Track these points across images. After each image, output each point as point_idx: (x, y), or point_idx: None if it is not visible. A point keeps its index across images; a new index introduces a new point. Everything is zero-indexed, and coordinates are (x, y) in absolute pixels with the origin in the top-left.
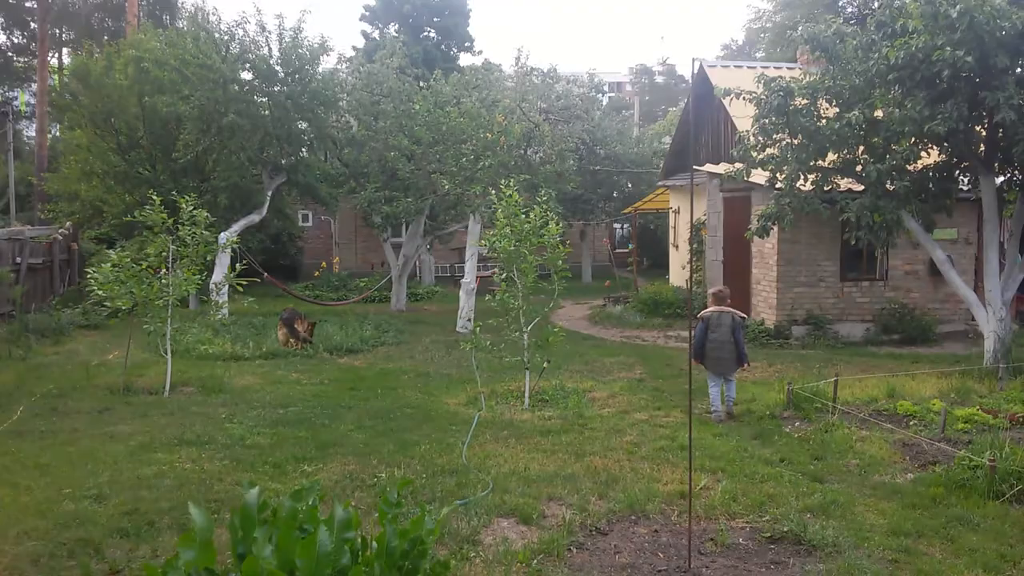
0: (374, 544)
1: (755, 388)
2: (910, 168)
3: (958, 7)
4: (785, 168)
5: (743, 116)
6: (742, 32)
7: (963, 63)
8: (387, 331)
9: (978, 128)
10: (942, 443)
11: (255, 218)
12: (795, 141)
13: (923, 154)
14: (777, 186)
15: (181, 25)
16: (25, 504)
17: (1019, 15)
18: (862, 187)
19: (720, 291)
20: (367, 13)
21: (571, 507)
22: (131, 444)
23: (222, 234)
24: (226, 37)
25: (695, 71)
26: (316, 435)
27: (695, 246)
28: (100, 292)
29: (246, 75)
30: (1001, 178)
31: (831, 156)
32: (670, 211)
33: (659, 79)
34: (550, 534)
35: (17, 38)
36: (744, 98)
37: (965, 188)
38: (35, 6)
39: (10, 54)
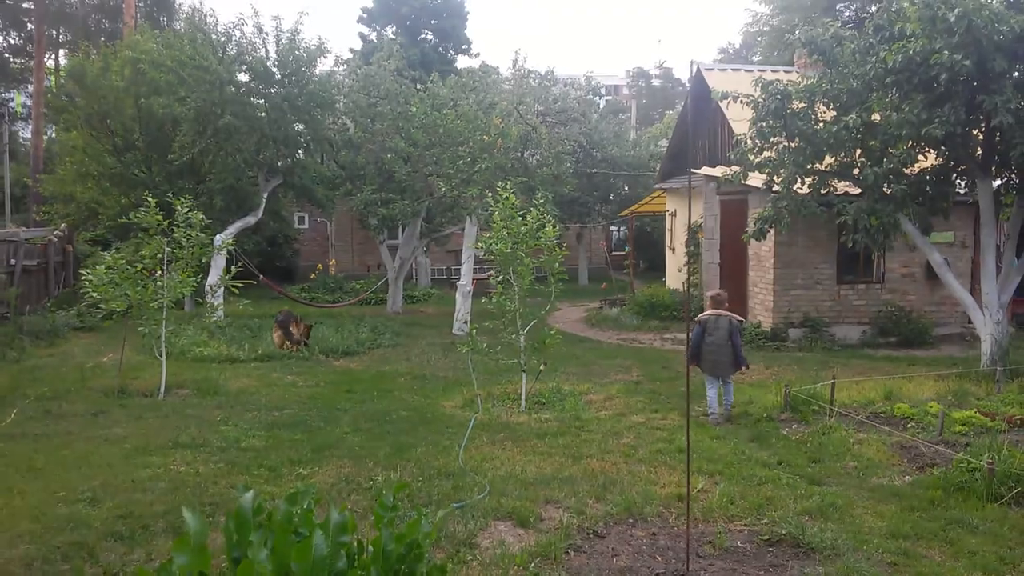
0: (370, 548)
1: (752, 390)
2: (907, 171)
3: (956, 11)
4: (782, 171)
5: (740, 119)
6: (739, 36)
7: (961, 67)
8: (383, 333)
9: (975, 132)
10: (940, 445)
11: (251, 220)
12: (792, 144)
13: (920, 157)
14: (774, 189)
15: (178, 26)
16: (18, 508)
17: (1017, 19)
18: (859, 190)
19: (718, 294)
20: (364, 15)
21: (568, 510)
22: (125, 447)
23: (217, 236)
24: (223, 39)
25: (693, 73)
26: (312, 438)
27: (692, 249)
28: (95, 294)
29: (243, 77)
30: (998, 181)
31: (828, 159)
32: (667, 214)
33: (656, 82)
34: (547, 537)
35: (14, 39)
36: (741, 101)
37: (962, 192)
38: (32, 7)
39: (6, 55)
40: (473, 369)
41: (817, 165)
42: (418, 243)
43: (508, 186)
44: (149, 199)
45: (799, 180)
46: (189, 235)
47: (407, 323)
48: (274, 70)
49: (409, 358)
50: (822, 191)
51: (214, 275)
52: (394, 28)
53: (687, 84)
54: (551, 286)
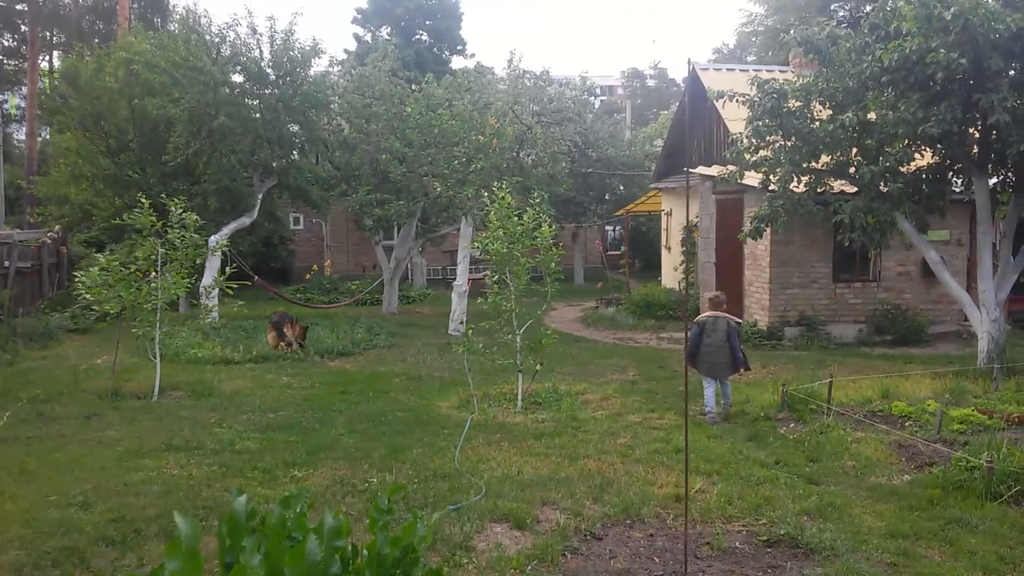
0: (365, 552)
1: (749, 390)
2: (904, 170)
3: (952, 9)
4: (778, 170)
5: (735, 119)
6: (733, 36)
7: (957, 65)
8: (379, 334)
9: (971, 130)
10: (938, 444)
11: (246, 221)
12: (788, 143)
13: (916, 156)
14: (770, 188)
15: (172, 28)
16: (9, 512)
17: (1013, 17)
18: (855, 189)
19: (716, 296)
20: (359, 16)
21: (565, 511)
22: (118, 450)
23: (212, 237)
24: (217, 39)
25: (690, 72)
26: (306, 440)
27: (687, 248)
28: (88, 296)
29: (237, 78)
30: (994, 179)
31: (824, 158)
32: (662, 213)
33: (651, 83)
34: (544, 539)
35: (7, 41)
36: (737, 100)
37: (958, 190)
38: (25, 9)
39: (0, 57)
40: (469, 369)
41: (813, 164)
42: (413, 243)
43: (504, 186)
44: (143, 200)
45: (795, 179)
46: (183, 236)
47: (403, 324)
48: (268, 71)
49: (405, 359)
50: (818, 190)
51: (208, 276)
52: (389, 29)
53: (682, 84)
54: (547, 286)
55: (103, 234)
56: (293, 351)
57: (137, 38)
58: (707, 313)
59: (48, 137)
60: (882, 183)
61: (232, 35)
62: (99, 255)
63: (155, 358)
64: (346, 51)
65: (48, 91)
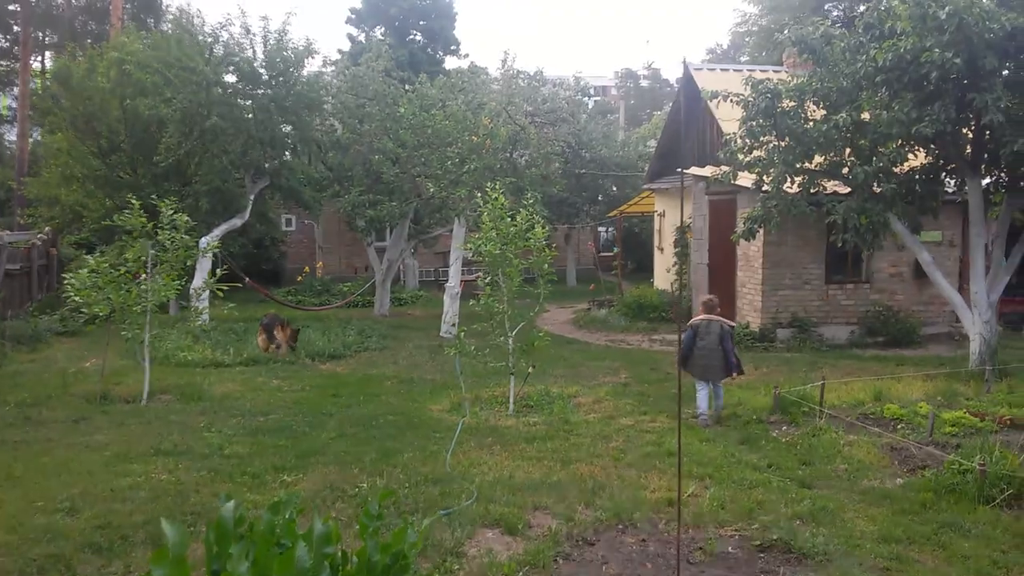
0: (355, 559)
1: (741, 392)
2: (897, 170)
3: (947, 8)
4: (772, 170)
5: (729, 119)
6: (727, 36)
7: (951, 65)
8: (370, 336)
9: (965, 130)
10: (930, 447)
11: (237, 222)
12: (782, 143)
13: (910, 156)
14: (764, 188)
15: (166, 28)
16: None
17: (1008, 16)
18: (848, 189)
19: (710, 300)
20: (353, 16)
21: (557, 516)
22: (106, 454)
23: (203, 239)
24: (210, 39)
25: (684, 72)
26: (296, 444)
27: (681, 249)
28: (77, 298)
29: (230, 78)
30: (987, 180)
31: (818, 158)
32: (655, 214)
33: (644, 83)
34: (536, 545)
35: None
36: (732, 100)
37: (950, 191)
38: (18, 9)
39: None
40: (461, 372)
41: (807, 164)
42: (406, 245)
43: (498, 187)
44: (133, 201)
45: (789, 179)
46: (173, 238)
47: (394, 326)
48: (261, 71)
49: (396, 361)
50: (812, 190)
51: (199, 278)
52: (382, 29)
53: (675, 85)
54: (540, 287)
55: (93, 236)
56: (283, 354)
57: (129, 38)
58: (700, 316)
59: (39, 138)
60: (875, 184)
61: (225, 35)
62: (88, 257)
63: (144, 361)
64: (340, 51)
65: (40, 91)
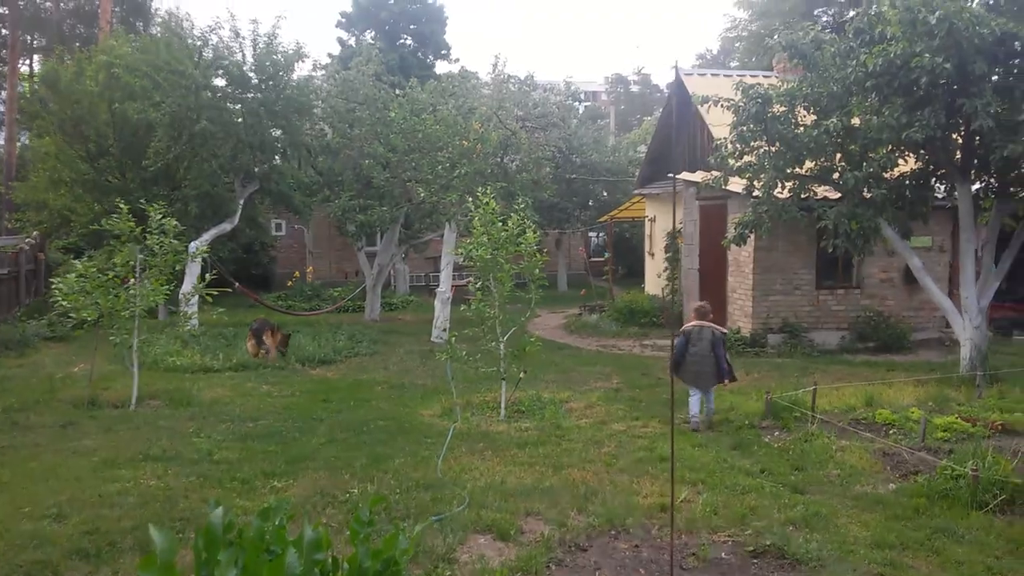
0: (345, 565)
1: (733, 397)
2: (887, 176)
3: (937, 14)
4: (762, 176)
5: (719, 124)
6: (717, 42)
7: (941, 70)
8: (361, 341)
9: (955, 136)
10: (923, 452)
11: (226, 227)
12: (773, 148)
13: (900, 162)
14: (755, 194)
15: (154, 32)
16: None
17: (998, 21)
18: (839, 195)
19: (702, 306)
20: (343, 20)
21: (549, 522)
22: (94, 460)
23: (192, 243)
24: (199, 43)
25: (676, 77)
26: (286, 449)
27: (671, 254)
28: (65, 303)
29: (219, 82)
30: (977, 185)
31: (808, 164)
32: (646, 219)
33: (634, 88)
34: (528, 551)
35: None
36: (722, 105)
37: (940, 196)
38: (5, 12)
39: None
40: (452, 377)
41: (797, 169)
42: (396, 250)
43: (489, 191)
44: (121, 205)
45: (779, 184)
46: (162, 242)
47: (385, 331)
48: (251, 75)
49: (387, 366)
50: (802, 195)
51: (188, 283)
52: (373, 33)
53: (665, 90)
54: (531, 292)
55: (82, 240)
56: (273, 359)
57: (118, 41)
58: (693, 323)
59: (27, 142)
60: (865, 189)
61: (214, 38)
62: (76, 261)
63: (133, 366)
64: (330, 55)
65: (28, 95)
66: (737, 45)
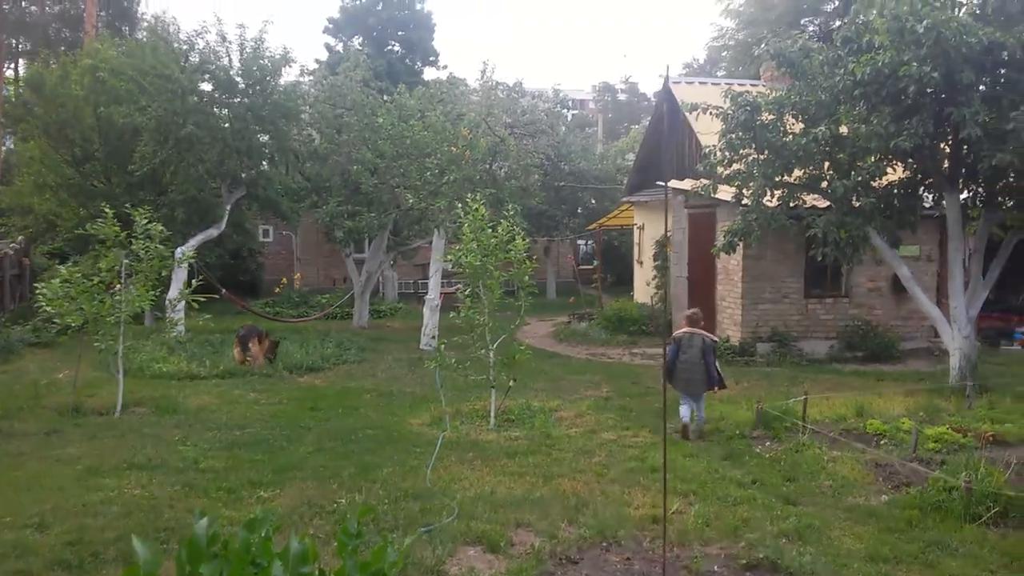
0: None
1: (723, 406)
2: (875, 184)
3: (925, 23)
4: (751, 184)
5: (707, 132)
6: (704, 51)
7: (929, 79)
8: (349, 349)
9: (943, 145)
10: (915, 463)
11: (213, 232)
12: (761, 156)
13: (888, 170)
14: (743, 202)
15: (141, 36)
16: None
17: (985, 31)
18: (827, 203)
19: (694, 313)
20: (331, 25)
21: (540, 533)
22: (78, 468)
23: (179, 249)
24: (185, 47)
25: (665, 84)
26: (273, 458)
27: (660, 262)
28: (49, 308)
29: (206, 86)
30: (965, 194)
31: (797, 172)
32: (634, 227)
33: (622, 97)
34: (518, 563)
35: None
36: (711, 113)
37: (928, 205)
38: None
39: None
40: (441, 385)
41: (786, 178)
42: (385, 256)
43: (478, 197)
44: (106, 210)
45: (768, 193)
46: (148, 247)
47: (373, 338)
48: (238, 79)
49: (375, 374)
50: (791, 204)
51: (174, 289)
52: (361, 39)
53: (653, 99)
54: (520, 300)
55: (67, 245)
56: (260, 366)
57: (104, 45)
58: (684, 330)
59: (12, 146)
60: (854, 197)
61: (201, 43)
62: (61, 267)
63: (118, 373)
64: (317, 61)
65: (12, 99)
66: (724, 54)
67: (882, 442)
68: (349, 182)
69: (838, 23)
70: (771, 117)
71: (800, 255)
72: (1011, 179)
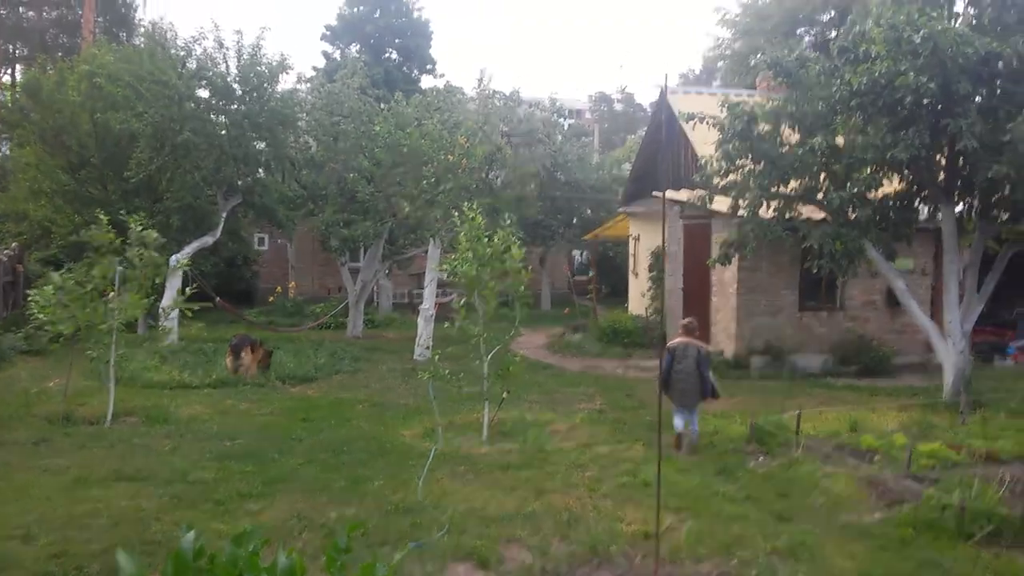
0: None
1: (717, 420)
2: (871, 196)
3: (921, 32)
4: (747, 194)
5: (704, 143)
6: (700, 61)
7: (926, 89)
8: (342, 359)
9: (939, 156)
10: (908, 480)
11: (208, 240)
12: (758, 167)
13: (884, 182)
14: (739, 213)
15: (138, 42)
16: None
17: (982, 41)
18: (823, 215)
19: (689, 322)
20: (328, 33)
21: (531, 550)
22: (66, 479)
23: (173, 256)
24: (182, 53)
25: (661, 95)
26: (264, 470)
27: (656, 274)
28: (41, 316)
29: (203, 93)
30: (960, 207)
31: (793, 183)
32: (630, 238)
33: (618, 107)
34: None
35: None
36: (708, 123)
37: (923, 218)
38: None
39: None
40: (434, 397)
41: (782, 189)
42: (380, 266)
43: (475, 206)
44: (101, 216)
45: (764, 204)
46: (142, 255)
47: (367, 348)
48: (235, 86)
49: (368, 385)
50: (787, 215)
51: (168, 297)
52: (358, 46)
53: (649, 109)
54: (515, 311)
55: (62, 252)
56: (252, 376)
57: (100, 51)
58: (679, 339)
59: (7, 152)
60: (850, 209)
61: (198, 49)
62: (55, 274)
63: (109, 382)
64: (314, 68)
65: (9, 104)
66: (720, 64)
67: (876, 458)
68: (345, 190)
69: (834, 33)
70: (768, 127)
71: (795, 268)
72: (1007, 191)
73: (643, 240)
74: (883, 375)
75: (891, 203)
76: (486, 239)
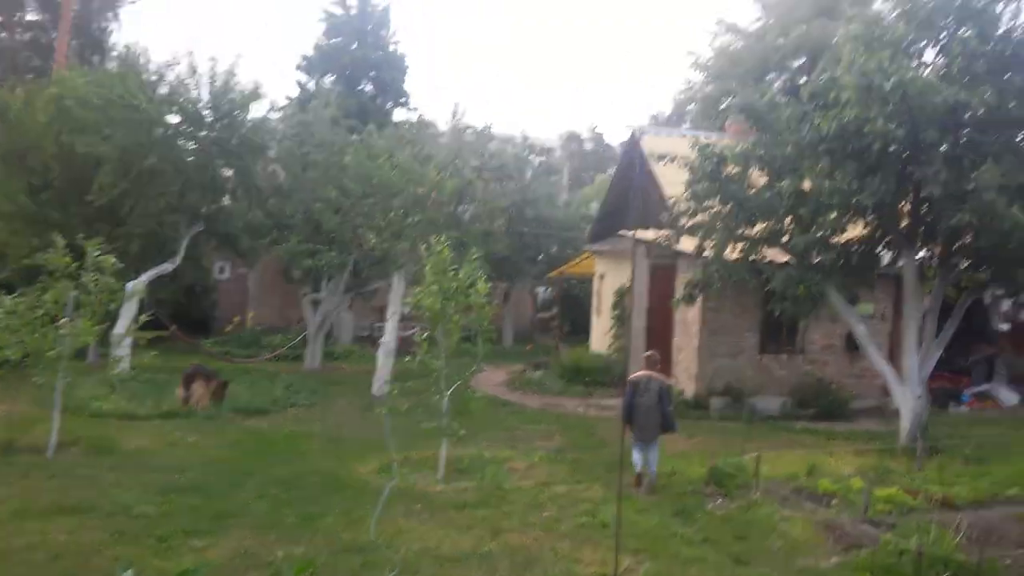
0: None
1: (675, 461)
2: (835, 241)
3: (892, 80)
4: (714, 235)
5: (672, 183)
6: (670, 104)
7: (893, 136)
8: (299, 392)
9: (903, 203)
10: (866, 525)
11: (168, 267)
12: (725, 208)
13: (848, 227)
14: (705, 253)
15: (111, 66)
16: None
17: (951, 90)
18: (787, 258)
19: (652, 354)
20: (304, 63)
21: None
22: (4, 510)
23: (130, 283)
24: (155, 78)
25: (632, 136)
26: (211, 504)
27: (620, 312)
28: None
29: (173, 118)
30: (922, 253)
31: (759, 225)
32: (595, 276)
33: (588, 146)
34: None
35: None
36: (678, 163)
37: (886, 263)
38: None
39: None
40: (390, 433)
41: (748, 231)
42: (342, 297)
43: (443, 239)
44: (56, 240)
45: (730, 245)
46: (97, 280)
47: (325, 381)
48: (206, 112)
49: (324, 419)
50: (751, 257)
51: (122, 324)
52: (333, 77)
53: (618, 149)
54: (478, 346)
55: (16, 276)
56: (204, 407)
57: (72, 74)
58: (641, 372)
59: None
60: (814, 253)
61: (171, 75)
62: (6, 298)
63: (55, 410)
64: (288, 97)
65: None
66: (690, 107)
67: (833, 502)
68: (311, 220)
69: (804, 79)
70: (737, 169)
71: (758, 310)
72: (969, 239)
73: (608, 279)
74: (841, 419)
75: (854, 248)
76: (452, 272)
